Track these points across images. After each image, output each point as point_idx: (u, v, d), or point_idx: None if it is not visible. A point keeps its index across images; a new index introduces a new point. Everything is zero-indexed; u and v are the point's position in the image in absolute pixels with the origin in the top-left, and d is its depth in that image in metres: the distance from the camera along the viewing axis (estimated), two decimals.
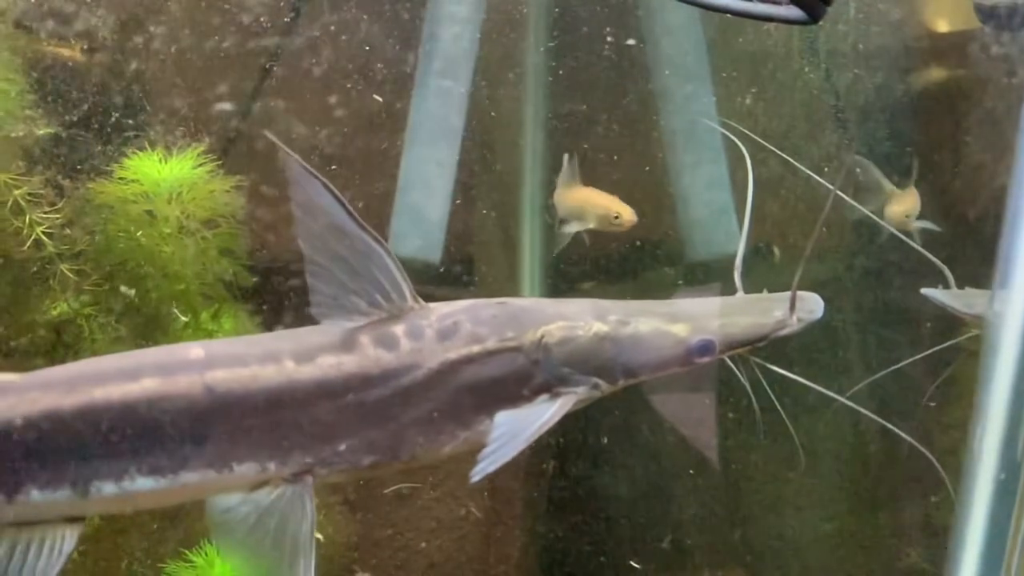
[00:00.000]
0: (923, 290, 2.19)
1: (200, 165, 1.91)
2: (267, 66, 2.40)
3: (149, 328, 1.89)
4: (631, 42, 2.53)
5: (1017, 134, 1.51)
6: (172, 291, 1.90)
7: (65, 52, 2.16)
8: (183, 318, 1.91)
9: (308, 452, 1.39)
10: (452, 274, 2.54)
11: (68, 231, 1.82)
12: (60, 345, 1.81)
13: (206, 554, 1.80)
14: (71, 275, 1.81)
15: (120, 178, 1.89)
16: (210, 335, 1.94)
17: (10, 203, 1.77)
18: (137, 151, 1.93)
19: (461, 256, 2.60)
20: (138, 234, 1.84)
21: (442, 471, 2.60)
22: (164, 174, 1.87)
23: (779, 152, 2.12)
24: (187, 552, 1.81)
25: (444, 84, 2.46)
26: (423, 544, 2.59)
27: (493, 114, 2.63)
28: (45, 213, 1.80)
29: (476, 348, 1.43)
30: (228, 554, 1.51)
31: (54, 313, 1.80)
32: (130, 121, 2.19)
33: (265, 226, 2.29)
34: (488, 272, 2.65)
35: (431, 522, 2.59)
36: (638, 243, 2.72)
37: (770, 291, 1.64)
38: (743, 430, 2.71)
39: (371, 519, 2.57)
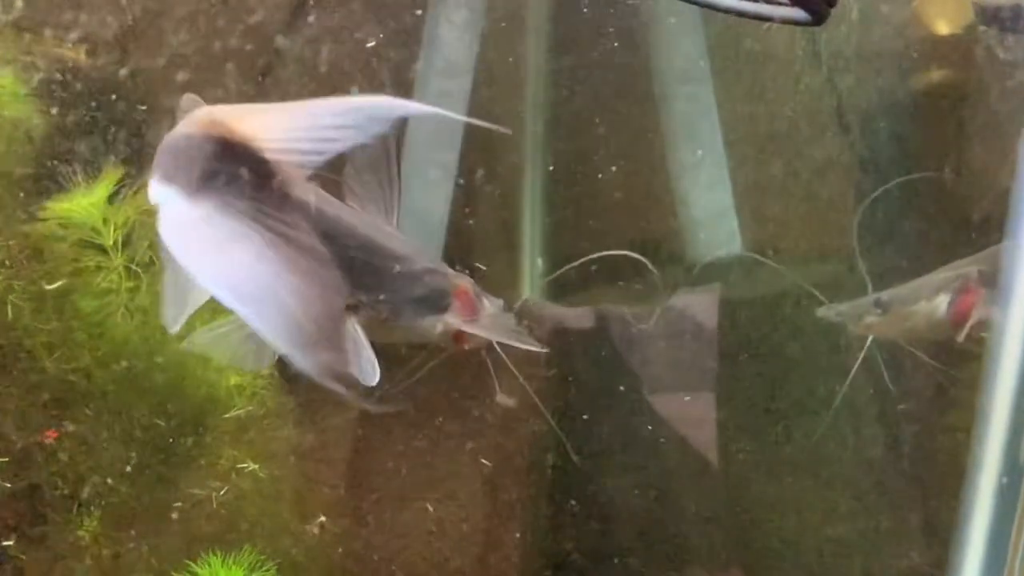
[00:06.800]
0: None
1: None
2: (265, 69, 2.39)
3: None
4: (618, 43, 2.53)
5: (1020, 138, 1.51)
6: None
7: (69, 55, 2.12)
8: None
9: None
10: None
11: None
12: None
13: (210, 565, 1.79)
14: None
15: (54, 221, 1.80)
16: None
17: None
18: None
19: (461, 256, 2.59)
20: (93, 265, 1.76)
21: (441, 474, 2.60)
22: (109, 214, 1.78)
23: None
24: (191, 563, 1.81)
25: (445, 85, 2.46)
26: (423, 549, 2.59)
27: (494, 115, 2.62)
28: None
29: None
30: None
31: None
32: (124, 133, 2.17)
33: None
34: (488, 272, 2.65)
35: (430, 526, 2.59)
36: (640, 244, 2.71)
37: None
38: (744, 432, 2.71)
39: (370, 524, 2.57)
